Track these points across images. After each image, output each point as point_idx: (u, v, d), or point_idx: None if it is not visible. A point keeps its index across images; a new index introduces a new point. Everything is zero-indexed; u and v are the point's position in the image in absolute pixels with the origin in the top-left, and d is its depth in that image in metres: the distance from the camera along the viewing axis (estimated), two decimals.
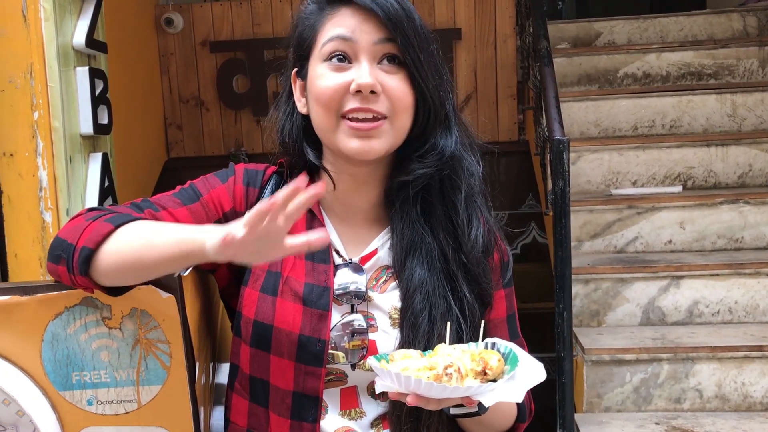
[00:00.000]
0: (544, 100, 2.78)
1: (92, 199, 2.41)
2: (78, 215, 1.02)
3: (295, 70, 1.09)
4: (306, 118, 1.08)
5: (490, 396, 0.88)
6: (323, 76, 1.01)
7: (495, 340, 0.98)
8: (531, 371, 0.93)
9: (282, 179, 1.13)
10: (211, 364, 1.23)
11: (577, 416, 2.54)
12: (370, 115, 1.00)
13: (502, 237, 1.13)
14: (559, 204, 2.40)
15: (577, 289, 2.80)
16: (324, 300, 1.03)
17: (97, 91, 2.44)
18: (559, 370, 2.42)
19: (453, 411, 0.95)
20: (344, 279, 1.06)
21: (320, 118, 1.03)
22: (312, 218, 1.10)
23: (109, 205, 1.06)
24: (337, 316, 1.04)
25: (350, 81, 1.00)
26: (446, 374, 0.88)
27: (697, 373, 2.57)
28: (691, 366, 2.57)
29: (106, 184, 2.48)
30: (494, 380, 0.91)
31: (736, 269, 2.79)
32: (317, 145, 1.09)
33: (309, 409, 1.03)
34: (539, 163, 3.33)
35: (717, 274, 2.80)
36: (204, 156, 4.24)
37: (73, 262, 0.96)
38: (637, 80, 3.80)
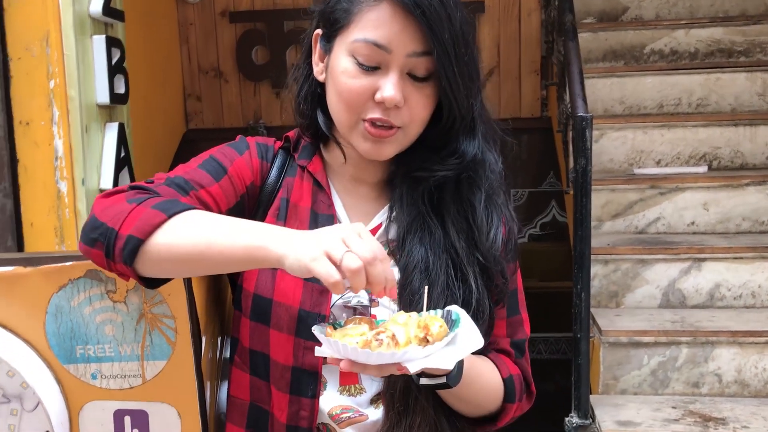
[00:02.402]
0: (567, 76, 2.72)
1: (108, 170, 2.40)
2: (116, 192, 0.97)
3: (320, 32, 1.05)
4: (322, 86, 1.05)
5: (418, 362, 0.84)
6: (349, 73, 0.98)
7: (451, 307, 0.94)
8: (469, 339, 0.89)
9: (288, 154, 1.11)
10: (219, 339, 1.21)
11: (593, 398, 2.51)
12: (386, 125, 0.98)
13: (516, 220, 1.10)
14: (581, 182, 2.35)
15: (596, 269, 2.76)
16: None
17: (114, 60, 2.42)
18: (575, 351, 2.38)
19: (422, 381, 0.93)
20: None
21: (339, 113, 1.02)
22: (319, 189, 1.08)
23: (146, 181, 1.01)
24: None
25: (376, 87, 0.97)
26: (376, 339, 0.85)
27: (717, 358, 2.52)
28: (710, 350, 2.52)
29: (122, 154, 2.46)
30: None
31: (761, 252, 2.73)
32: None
33: (308, 384, 1.02)
34: (561, 141, 3.27)
35: (741, 257, 2.74)
36: (223, 128, 4.22)
37: (114, 250, 0.91)
38: (664, 57, 3.70)
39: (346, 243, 0.82)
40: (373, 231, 1.07)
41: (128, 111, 2.55)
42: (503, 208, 1.07)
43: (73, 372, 1.05)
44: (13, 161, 2.29)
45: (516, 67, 4.07)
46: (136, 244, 0.90)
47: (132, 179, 2.50)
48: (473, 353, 0.96)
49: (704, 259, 2.74)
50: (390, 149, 1.01)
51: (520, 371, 1.10)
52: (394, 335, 0.87)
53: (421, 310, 0.93)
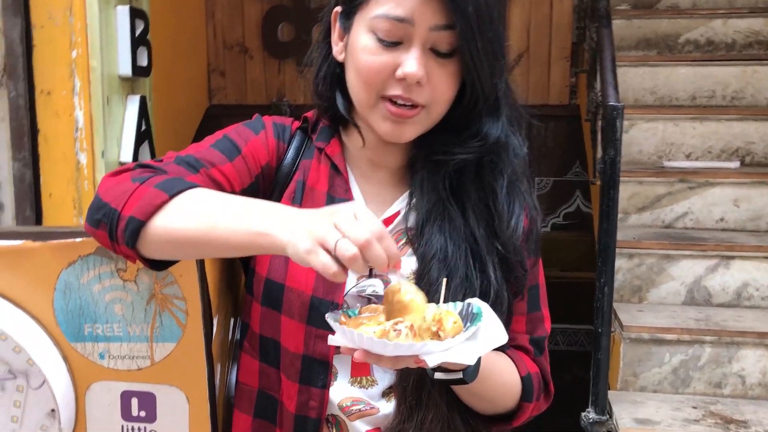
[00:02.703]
0: (599, 63, 2.64)
1: (128, 142, 2.37)
2: (122, 171, 0.93)
3: (339, 9, 1.00)
4: (341, 66, 1.01)
5: (436, 356, 0.80)
6: (368, 50, 0.93)
7: (472, 300, 0.90)
8: (492, 334, 0.84)
9: (306, 135, 1.07)
10: (232, 320, 1.18)
11: (611, 393, 2.46)
12: (409, 103, 0.94)
13: (539, 210, 1.05)
14: (609, 174, 2.28)
15: (620, 263, 2.69)
16: None
17: (138, 32, 2.38)
18: (595, 346, 2.33)
19: (437, 375, 0.89)
20: None
21: (358, 91, 0.97)
22: (336, 173, 1.04)
23: (155, 160, 0.98)
24: (353, 279, 0.99)
25: (397, 64, 0.92)
26: (394, 330, 0.81)
27: (742, 359, 2.46)
28: (735, 351, 2.46)
29: (143, 127, 2.43)
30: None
31: None
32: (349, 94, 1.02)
33: (318, 374, 0.98)
34: (589, 130, 3.19)
35: None
36: (246, 105, 4.19)
37: (117, 231, 0.88)
38: (700, 47, 3.59)
39: (339, 228, 0.76)
40: (391, 218, 1.03)
41: (151, 84, 2.52)
42: (526, 196, 1.02)
43: (81, 350, 1.02)
44: (34, 131, 2.27)
45: (546, 52, 3.98)
46: (137, 226, 0.86)
47: (152, 153, 2.48)
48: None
49: (733, 257, 2.67)
50: (411, 131, 0.96)
51: (539, 369, 1.06)
52: (412, 325, 0.82)
53: (438, 301, 0.89)
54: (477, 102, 0.97)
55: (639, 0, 3.84)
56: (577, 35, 3.86)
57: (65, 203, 2.28)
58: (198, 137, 4.00)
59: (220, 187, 0.96)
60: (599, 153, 2.81)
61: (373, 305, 0.91)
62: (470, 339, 0.82)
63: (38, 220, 2.29)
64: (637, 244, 2.74)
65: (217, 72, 4.20)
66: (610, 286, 2.28)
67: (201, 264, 1.00)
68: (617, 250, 2.46)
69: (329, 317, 0.86)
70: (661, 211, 2.98)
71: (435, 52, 0.93)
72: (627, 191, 2.94)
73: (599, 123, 2.78)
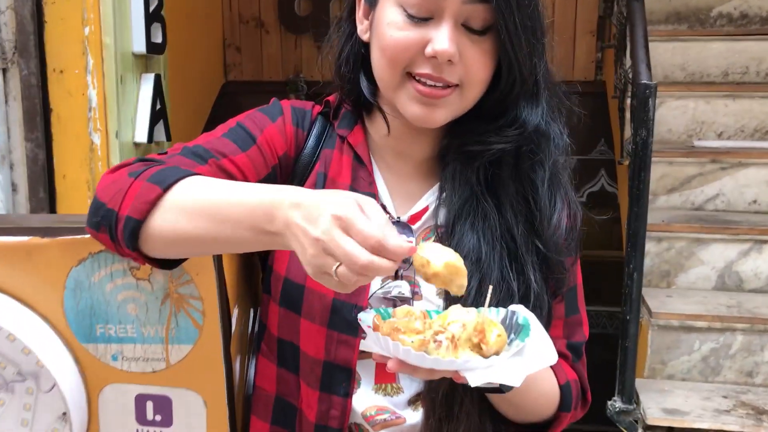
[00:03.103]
0: (630, 39, 2.53)
1: (143, 122, 2.31)
2: (121, 166, 0.86)
3: None
4: (366, 46, 0.93)
5: (479, 374, 0.73)
6: (395, 25, 0.85)
7: (516, 307, 0.83)
8: (539, 352, 0.77)
9: (328, 121, 0.99)
10: (251, 311, 1.11)
11: (638, 382, 2.39)
12: (440, 83, 0.85)
13: (579, 205, 0.97)
14: (640, 155, 2.19)
15: (648, 246, 2.60)
16: None
17: (152, 8, 2.31)
18: (622, 333, 2.26)
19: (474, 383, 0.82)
20: None
21: (382, 70, 0.89)
22: (359, 165, 0.97)
23: (160, 153, 0.91)
24: (377, 281, 0.92)
25: (426, 41, 0.84)
26: (435, 341, 0.74)
27: None
28: None
29: (158, 106, 2.37)
30: (497, 354, 0.76)
31: None
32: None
33: (340, 381, 0.92)
34: (617, 107, 3.08)
35: None
36: (262, 81, 4.11)
37: (117, 234, 0.82)
38: (733, 21, 3.45)
39: (334, 254, 0.69)
40: (419, 214, 0.95)
41: (165, 61, 2.45)
42: (567, 190, 0.95)
43: (93, 352, 0.96)
44: (46, 111, 2.21)
45: (571, 26, 3.85)
46: (135, 226, 0.80)
47: (167, 133, 2.42)
48: None
49: (766, 242, 2.57)
50: (442, 114, 0.88)
51: (578, 377, 0.99)
52: (453, 336, 0.75)
53: (480, 305, 0.82)
54: (514, 85, 0.89)
55: None
56: (603, 8, 3.73)
57: (79, 185, 2.23)
58: (214, 114, 3.96)
59: (232, 179, 0.89)
60: (627, 132, 2.71)
61: (406, 307, 0.84)
62: (517, 355, 0.76)
63: (52, 202, 2.24)
64: (667, 228, 2.65)
65: (232, 47, 4.12)
66: (640, 273, 2.20)
67: (218, 260, 0.93)
68: (646, 233, 2.37)
69: (362, 316, 0.79)
70: (691, 192, 2.88)
71: (468, 28, 0.85)
72: (656, 172, 2.84)
73: (628, 101, 2.68)
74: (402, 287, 0.92)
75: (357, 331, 0.89)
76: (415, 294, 0.93)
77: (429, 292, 0.93)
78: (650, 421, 2.20)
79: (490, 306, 0.83)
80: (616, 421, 2.27)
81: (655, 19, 3.48)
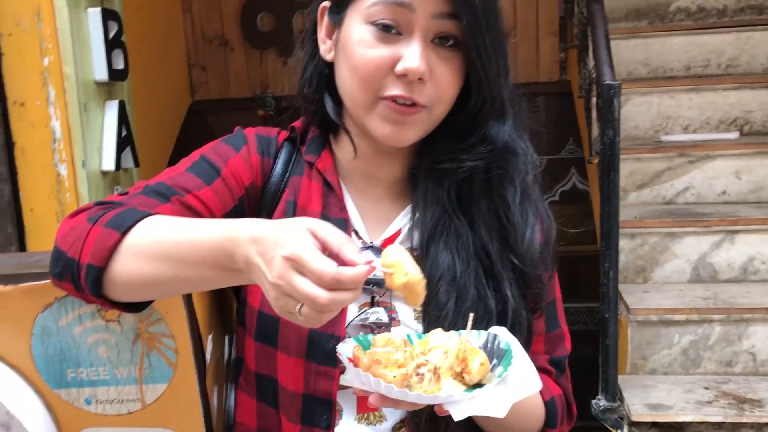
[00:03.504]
0: (592, 39, 2.55)
1: (110, 150, 2.29)
2: (80, 211, 0.85)
3: (327, 4, 0.92)
4: (330, 66, 0.92)
5: (463, 407, 0.72)
6: (365, 43, 0.85)
7: (497, 330, 0.82)
8: (523, 380, 0.76)
9: (295, 147, 0.98)
10: (226, 338, 1.10)
11: (621, 378, 2.40)
12: (409, 102, 0.85)
13: (553, 219, 0.97)
14: (608, 155, 2.20)
15: (622, 243, 2.63)
16: None
17: (111, 34, 2.29)
18: (602, 332, 2.27)
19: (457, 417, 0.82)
20: None
21: (353, 91, 0.88)
22: (329, 191, 0.96)
23: (120, 193, 0.90)
24: (354, 309, 0.91)
25: (397, 58, 0.84)
26: (417, 374, 0.73)
27: (752, 336, 2.40)
28: (745, 327, 2.40)
29: (124, 133, 2.35)
30: (480, 384, 0.76)
31: None
32: (340, 98, 0.93)
33: (321, 414, 0.90)
34: (583, 107, 3.11)
35: None
36: (229, 98, 4.09)
37: (80, 282, 0.80)
38: (691, 15, 3.50)
39: (294, 297, 0.68)
40: (392, 238, 0.95)
41: (129, 87, 2.43)
42: (539, 205, 0.95)
43: (65, 397, 0.94)
44: (9, 144, 2.18)
45: (533, 28, 3.88)
46: (97, 274, 0.78)
47: (135, 159, 2.39)
48: None
49: (737, 231, 2.61)
50: (412, 132, 0.88)
51: (562, 391, 0.99)
52: (436, 368, 0.75)
53: (460, 327, 0.82)
54: (484, 104, 0.89)
55: None
56: (564, 9, 3.77)
57: (48, 218, 2.20)
58: (182, 135, 3.93)
59: (197, 215, 0.88)
60: (595, 131, 2.73)
61: (386, 334, 0.83)
62: (500, 383, 0.75)
63: (21, 237, 2.20)
64: (639, 224, 2.67)
65: (197, 67, 4.10)
66: (615, 270, 2.22)
67: (188, 296, 0.92)
68: (619, 231, 2.40)
69: (341, 348, 0.79)
70: (661, 187, 2.91)
71: (438, 44, 0.85)
72: (625, 169, 2.87)
73: (593, 100, 2.70)
74: (379, 313, 0.91)
75: (336, 362, 0.88)
76: (393, 320, 0.92)
77: (407, 316, 0.92)
78: (635, 418, 2.21)
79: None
80: (602, 419, 2.28)
81: (615, 16, 3.52)
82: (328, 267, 0.67)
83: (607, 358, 2.26)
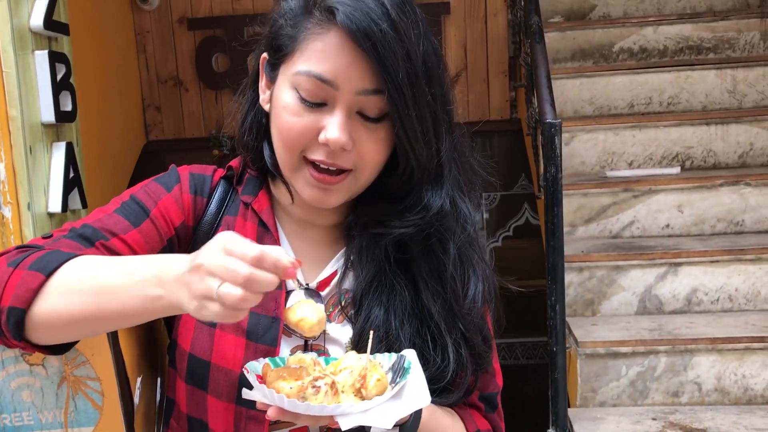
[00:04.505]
0: (535, 80, 2.64)
1: (56, 192, 2.27)
2: (1, 254, 0.84)
3: (266, 56, 0.93)
4: (268, 116, 0.93)
5: (352, 418, 0.75)
6: (290, 109, 0.86)
7: (406, 352, 0.85)
8: (414, 396, 0.79)
9: (231, 186, 0.99)
10: (159, 379, 1.09)
11: (571, 411, 2.43)
12: (333, 168, 0.87)
13: (493, 280, 0.98)
14: (551, 191, 2.27)
15: (570, 277, 2.68)
16: (272, 333, 0.89)
17: (59, 76, 2.29)
18: (551, 365, 2.30)
19: (373, 430, 0.83)
20: None
21: (279, 152, 0.90)
22: (264, 231, 0.96)
23: (43, 236, 0.89)
24: (286, 352, 0.91)
25: (320, 127, 0.85)
26: (313, 386, 0.76)
27: (696, 366, 2.46)
28: (689, 358, 2.46)
29: (71, 175, 2.33)
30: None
31: (737, 255, 2.67)
32: None
33: None
34: (531, 144, 3.19)
35: (717, 261, 2.68)
36: (184, 138, 4.09)
37: (1, 326, 0.79)
38: (634, 55, 3.64)
39: (214, 273, 0.70)
40: (327, 280, 0.96)
41: (77, 129, 2.42)
42: (479, 266, 0.95)
43: None
44: None
45: (483, 68, 3.98)
46: (20, 317, 0.78)
47: (83, 200, 2.38)
48: (436, 404, 0.87)
49: (680, 264, 2.68)
50: (337, 197, 0.90)
51: (492, 427, 1.00)
52: (334, 383, 0.78)
53: (375, 352, 0.85)
54: (413, 173, 0.90)
55: (572, 11, 3.89)
56: (513, 50, 3.88)
57: None
58: (136, 174, 3.91)
59: None
60: (542, 168, 2.80)
61: (298, 354, 0.85)
62: (394, 398, 0.78)
63: None
64: (586, 258, 2.73)
65: (152, 107, 4.10)
66: (562, 305, 2.26)
67: (114, 337, 0.92)
68: (567, 264, 2.45)
69: (250, 367, 0.81)
70: (608, 221, 2.98)
71: (363, 116, 0.86)
72: (572, 204, 2.94)
73: (539, 138, 2.78)
74: (312, 356, 0.92)
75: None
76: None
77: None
78: None
79: (375, 353, 0.85)
80: None
81: (561, 57, 3.64)
82: (254, 247, 0.69)
83: (557, 391, 2.29)
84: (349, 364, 0.82)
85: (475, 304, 0.92)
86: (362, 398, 0.78)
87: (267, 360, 0.84)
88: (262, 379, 0.80)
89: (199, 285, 0.70)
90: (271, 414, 0.75)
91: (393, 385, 0.81)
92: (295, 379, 0.78)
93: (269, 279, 0.70)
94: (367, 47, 0.81)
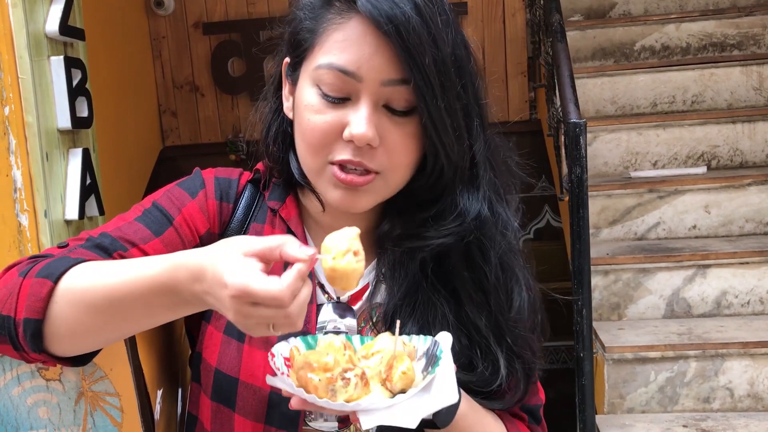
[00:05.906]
0: (557, 79, 2.58)
1: (73, 199, 2.25)
2: (11, 266, 0.80)
3: (288, 60, 0.89)
4: (293, 124, 0.89)
5: (375, 416, 0.71)
6: (312, 108, 0.82)
7: (441, 337, 0.80)
8: (443, 389, 0.74)
9: (258, 191, 0.95)
10: (179, 390, 1.05)
11: (599, 418, 2.37)
12: (360, 168, 0.82)
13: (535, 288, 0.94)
14: (576, 192, 2.21)
15: (595, 280, 2.62)
16: None
17: (75, 82, 2.26)
18: (578, 371, 2.25)
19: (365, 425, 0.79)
20: (326, 319, 0.88)
21: (303, 155, 0.86)
22: None
23: (60, 245, 0.85)
24: None
25: (344, 124, 0.80)
26: (343, 378, 0.73)
27: (728, 371, 2.39)
28: (720, 363, 2.39)
29: (88, 181, 2.30)
30: (404, 391, 0.75)
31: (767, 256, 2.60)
32: None
33: None
34: (553, 145, 3.13)
35: (746, 262, 2.60)
36: (201, 143, 4.07)
37: (19, 339, 0.75)
38: (656, 53, 3.57)
39: (260, 321, 0.68)
40: (359, 294, 0.91)
41: (94, 135, 2.39)
42: (521, 275, 0.90)
43: None
44: None
45: (502, 69, 3.93)
46: (36, 327, 0.74)
47: (100, 207, 2.35)
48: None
49: (709, 266, 2.61)
50: (366, 200, 0.84)
51: None
52: (364, 373, 0.74)
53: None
54: (443, 172, 0.84)
55: (591, 10, 3.82)
56: (532, 49, 3.82)
57: None
58: (153, 181, 3.89)
59: None
60: (564, 169, 2.74)
61: (330, 336, 0.80)
62: (422, 392, 0.74)
63: None
64: (612, 260, 2.66)
65: (168, 113, 4.08)
66: (588, 309, 2.20)
67: (133, 351, 0.88)
68: (592, 267, 2.38)
69: (276, 350, 0.77)
70: (632, 223, 2.92)
71: (389, 109, 0.81)
72: (596, 205, 2.88)
73: (562, 138, 2.72)
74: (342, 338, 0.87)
75: (297, 426, 0.84)
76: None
77: None
78: None
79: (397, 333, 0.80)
80: None
81: (581, 56, 3.58)
82: (275, 287, 0.65)
83: (584, 398, 2.23)
84: (381, 347, 0.78)
85: (521, 315, 0.87)
86: (388, 390, 0.74)
87: (298, 339, 0.79)
88: (289, 361, 0.77)
89: (253, 331, 0.69)
90: (293, 403, 0.73)
91: (424, 373, 0.76)
92: (322, 367, 0.74)
93: (306, 292, 0.69)
94: (390, 32, 0.76)
